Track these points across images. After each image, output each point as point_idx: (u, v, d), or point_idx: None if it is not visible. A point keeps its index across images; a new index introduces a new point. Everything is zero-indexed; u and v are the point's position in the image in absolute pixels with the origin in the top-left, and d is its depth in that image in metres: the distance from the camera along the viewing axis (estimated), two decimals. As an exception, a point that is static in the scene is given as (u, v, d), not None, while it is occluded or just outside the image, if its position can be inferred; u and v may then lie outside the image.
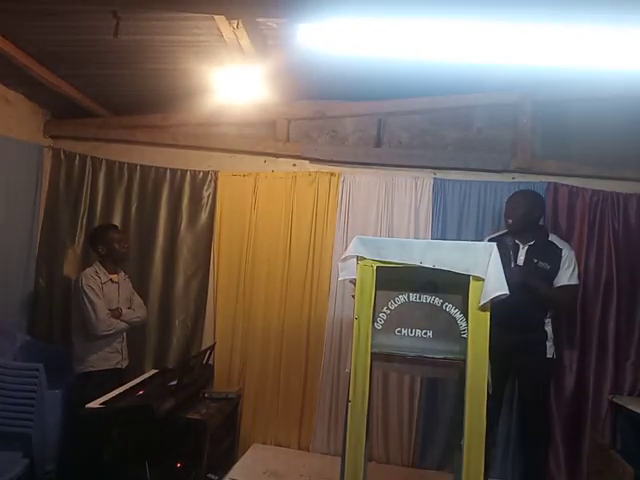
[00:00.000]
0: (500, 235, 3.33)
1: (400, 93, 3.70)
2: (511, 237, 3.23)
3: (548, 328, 3.20)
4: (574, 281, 3.17)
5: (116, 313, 3.35)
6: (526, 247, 3.21)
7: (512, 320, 2.89)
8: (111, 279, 3.44)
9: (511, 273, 2.74)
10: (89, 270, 3.39)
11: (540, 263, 3.16)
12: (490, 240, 3.19)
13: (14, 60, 3.12)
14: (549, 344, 3.17)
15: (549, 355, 3.18)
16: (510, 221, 3.24)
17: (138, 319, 3.52)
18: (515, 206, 3.25)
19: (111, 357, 3.36)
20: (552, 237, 3.28)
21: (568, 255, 3.18)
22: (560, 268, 3.15)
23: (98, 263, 3.45)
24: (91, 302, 3.23)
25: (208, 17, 2.63)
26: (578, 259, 3.35)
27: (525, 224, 3.23)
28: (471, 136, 3.81)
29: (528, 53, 2.41)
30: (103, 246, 3.43)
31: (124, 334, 3.49)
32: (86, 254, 4.01)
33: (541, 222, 3.39)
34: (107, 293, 3.37)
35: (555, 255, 3.17)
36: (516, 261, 3.18)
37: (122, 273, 3.58)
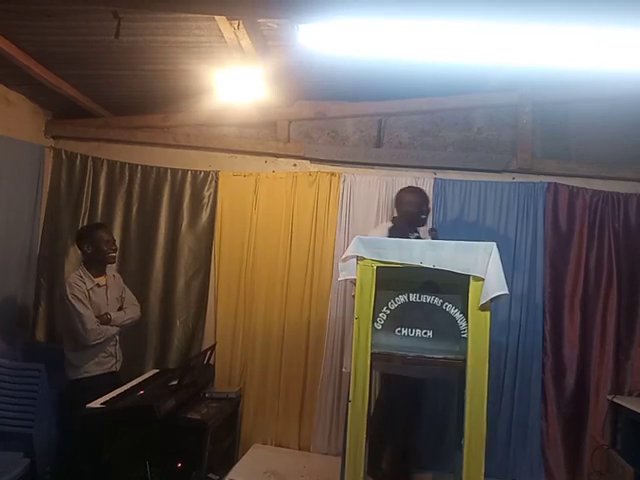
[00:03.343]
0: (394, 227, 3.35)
1: (400, 93, 3.70)
2: (407, 228, 3.28)
3: None
4: None
5: (105, 319, 3.13)
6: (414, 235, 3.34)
7: None
8: (97, 283, 3.19)
9: None
10: (73, 277, 3.13)
11: None
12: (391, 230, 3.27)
13: (15, 60, 3.13)
14: None
15: None
16: (423, 215, 3.32)
17: (130, 320, 3.30)
18: (423, 200, 3.33)
19: (105, 361, 3.20)
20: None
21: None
22: None
23: (82, 267, 3.21)
24: (78, 314, 3.02)
25: (209, 18, 2.63)
26: (578, 259, 3.34)
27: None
28: (471, 136, 3.81)
29: (528, 53, 2.41)
30: (89, 245, 3.18)
31: (117, 337, 3.30)
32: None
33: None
34: (94, 299, 3.14)
35: None
36: None
37: (110, 273, 3.35)
